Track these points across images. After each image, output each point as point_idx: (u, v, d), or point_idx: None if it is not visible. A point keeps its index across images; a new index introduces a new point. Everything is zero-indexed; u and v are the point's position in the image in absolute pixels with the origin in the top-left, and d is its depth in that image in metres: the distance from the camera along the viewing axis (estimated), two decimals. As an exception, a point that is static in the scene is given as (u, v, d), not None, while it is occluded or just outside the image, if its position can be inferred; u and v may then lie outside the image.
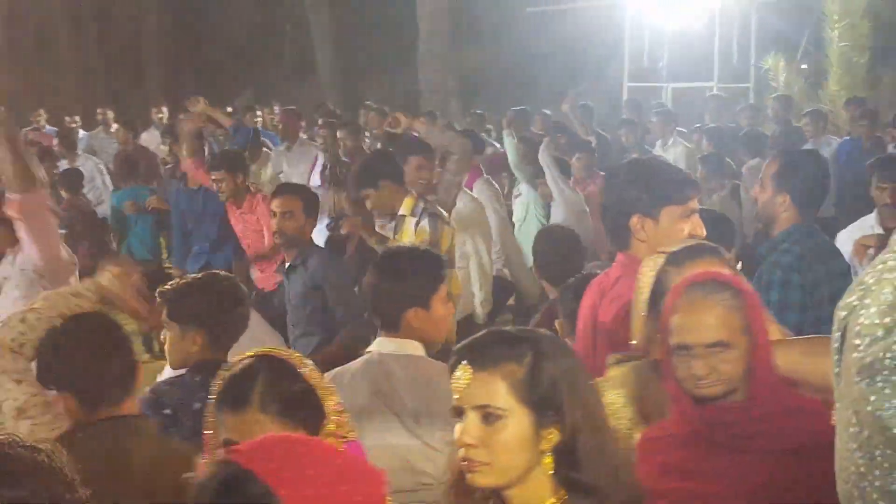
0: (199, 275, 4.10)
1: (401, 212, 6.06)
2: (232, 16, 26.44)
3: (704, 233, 3.47)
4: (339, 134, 10.02)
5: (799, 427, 2.49)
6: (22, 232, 5.00)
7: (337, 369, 3.52)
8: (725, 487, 2.48)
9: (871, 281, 1.70)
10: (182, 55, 26.94)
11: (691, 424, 2.56)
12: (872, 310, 1.65)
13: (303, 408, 2.46)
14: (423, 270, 3.56)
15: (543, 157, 8.96)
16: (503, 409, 2.16)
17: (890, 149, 10.25)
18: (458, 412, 2.21)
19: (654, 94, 16.28)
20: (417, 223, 5.96)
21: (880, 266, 1.72)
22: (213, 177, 7.57)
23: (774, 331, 2.76)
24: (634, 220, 3.50)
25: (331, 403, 2.48)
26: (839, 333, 1.75)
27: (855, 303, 1.71)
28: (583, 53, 19.26)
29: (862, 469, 1.63)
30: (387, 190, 6.01)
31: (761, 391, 2.53)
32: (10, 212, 4.97)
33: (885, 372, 1.59)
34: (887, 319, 1.62)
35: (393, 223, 6.17)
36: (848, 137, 11.23)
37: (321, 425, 2.44)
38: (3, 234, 5.53)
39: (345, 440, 2.45)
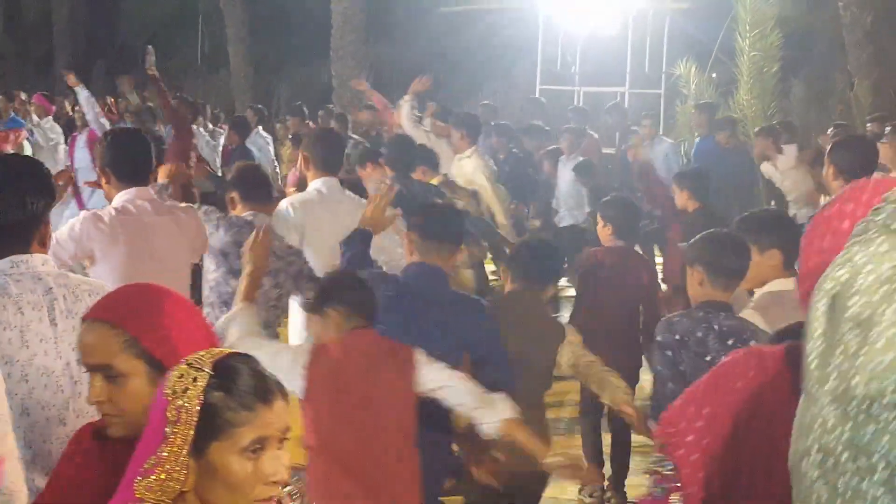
0: None
1: None
2: (146, 3, 26.01)
3: None
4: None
5: None
6: None
7: None
8: None
9: (860, 260, 1.72)
10: (94, 42, 26.48)
11: None
12: (871, 277, 1.68)
13: None
14: None
15: None
16: None
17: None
18: None
19: (567, 98, 16.19)
20: None
21: (873, 248, 1.73)
22: None
23: None
24: None
25: None
26: (825, 302, 1.74)
27: (845, 276, 1.72)
28: (495, 55, 19.15)
29: (832, 422, 1.63)
30: None
31: None
32: None
33: (884, 324, 1.61)
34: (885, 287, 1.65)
35: None
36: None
37: None
38: None
39: None
